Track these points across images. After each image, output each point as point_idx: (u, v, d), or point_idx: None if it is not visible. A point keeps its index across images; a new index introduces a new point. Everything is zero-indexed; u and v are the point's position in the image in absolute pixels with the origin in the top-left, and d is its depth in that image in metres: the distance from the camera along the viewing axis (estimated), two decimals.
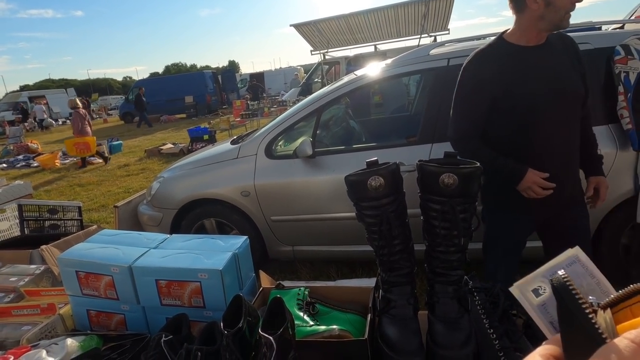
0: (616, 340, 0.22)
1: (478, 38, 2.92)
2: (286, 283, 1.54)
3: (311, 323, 0.98)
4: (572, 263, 0.32)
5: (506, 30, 1.59)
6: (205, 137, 9.09)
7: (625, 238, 2.38)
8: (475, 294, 1.18)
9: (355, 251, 2.73)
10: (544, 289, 0.30)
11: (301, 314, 1.01)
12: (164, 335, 0.85)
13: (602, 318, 0.25)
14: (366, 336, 0.89)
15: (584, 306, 0.24)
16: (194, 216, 2.97)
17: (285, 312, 0.81)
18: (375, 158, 1.06)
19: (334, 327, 0.96)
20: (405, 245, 1.04)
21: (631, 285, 0.26)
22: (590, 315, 0.24)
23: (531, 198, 1.55)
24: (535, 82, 1.50)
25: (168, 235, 1.21)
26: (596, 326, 0.23)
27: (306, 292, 1.09)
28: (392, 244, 1.01)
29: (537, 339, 1.03)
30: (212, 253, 1.06)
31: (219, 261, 1.01)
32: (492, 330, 1.02)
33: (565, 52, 1.56)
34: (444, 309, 0.98)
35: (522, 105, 1.51)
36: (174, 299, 1.02)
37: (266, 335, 0.73)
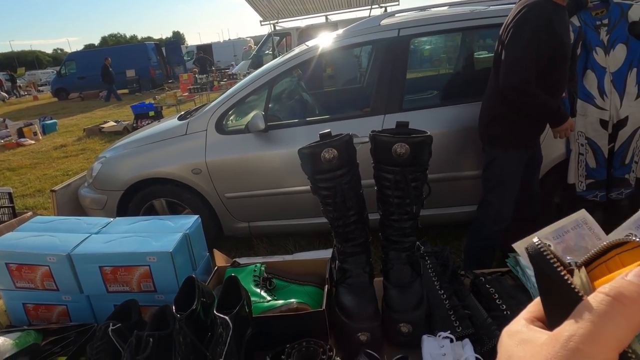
0: (591, 296, 0.22)
1: (428, 8, 2.93)
2: (242, 260, 1.52)
3: (268, 299, 0.97)
4: (578, 225, 0.31)
5: None
6: (151, 113, 8.60)
7: (558, 198, 2.58)
8: (427, 258, 1.22)
9: (312, 224, 2.74)
10: None
11: (258, 290, 1.00)
12: (111, 324, 0.80)
13: (578, 277, 0.25)
14: (324, 307, 0.90)
15: (558, 268, 0.24)
16: (142, 197, 2.82)
17: (241, 290, 0.79)
18: (329, 130, 1.04)
19: (292, 300, 0.95)
20: (360, 215, 1.04)
21: (605, 242, 0.26)
22: (566, 276, 0.24)
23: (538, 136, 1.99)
24: (567, 36, 1.86)
25: (111, 219, 1.13)
26: (572, 285, 0.23)
27: (262, 268, 1.07)
28: (346, 216, 1.01)
29: (483, 296, 1.10)
30: (160, 235, 1.01)
31: (168, 243, 0.96)
32: (442, 291, 1.07)
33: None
34: (397, 274, 1.00)
35: (562, 53, 1.81)
36: (122, 285, 0.97)
37: (221, 316, 0.70)
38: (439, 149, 2.48)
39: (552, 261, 0.24)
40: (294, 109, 3.44)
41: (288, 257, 2.04)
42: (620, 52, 2.28)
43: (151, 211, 2.90)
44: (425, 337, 0.91)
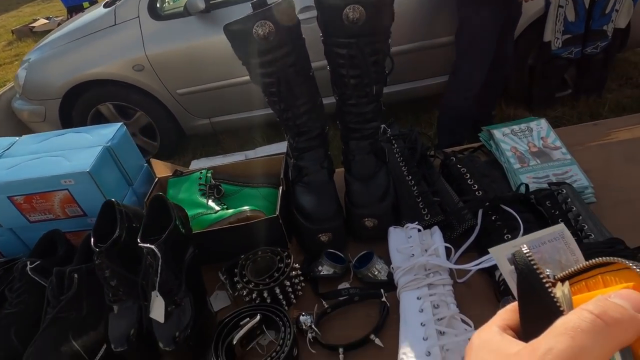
0: (574, 311, 0.22)
1: None
2: (198, 163, 1.39)
3: (217, 209, 0.86)
4: (555, 238, 0.31)
5: None
6: (86, 4, 7.45)
7: (532, 59, 2.43)
8: (394, 141, 1.11)
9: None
10: None
11: (205, 200, 0.88)
12: (29, 262, 0.69)
13: (560, 291, 0.25)
14: (277, 212, 0.80)
15: (544, 280, 0.24)
16: (84, 103, 2.53)
17: (171, 209, 0.66)
18: None
19: (245, 208, 0.85)
20: (312, 104, 0.88)
21: (588, 261, 0.26)
22: (550, 289, 0.23)
23: None
24: None
25: (16, 139, 0.94)
26: (555, 299, 0.23)
27: (209, 175, 0.94)
28: (296, 105, 0.85)
29: (454, 178, 1.03)
30: (76, 152, 0.84)
31: (85, 161, 0.80)
32: (410, 177, 0.98)
33: None
34: (360, 166, 0.89)
35: None
36: (43, 213, 0.83)
37: (147, 245, 0.59)
38: (408, 14, 2.20)
39: (538, 272, 0.24)
40: None
41: (251, 154, 1.92)
42: None
43: (100, 118, 2.65)
44: (391, 230, 0.85)
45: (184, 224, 0.69)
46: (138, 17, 2.32)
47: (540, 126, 1.02)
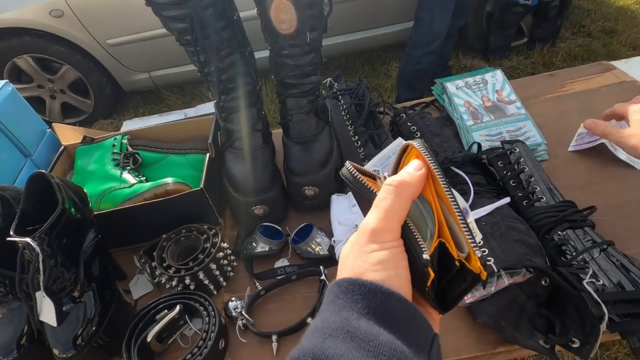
0: (381, 189, 0.29)
1: None
2: (130, 123, 1.23)
3: (133, 182, 0.74)
4: (395, 151, 0.36)
5: None
6: None
7: (489, 6, 2.34)
8: (341, 97, 1.00)
9: None
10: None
11: (118, 172, 0.75)
12: None
13: (379, 185, 0.30)
14: (202, 184, 0.69)
15: (360, 178, 0.31)
16: None
17: (57, 189, 0.54)
18: None
19: (167, 180, 0.73)
20: (240, 54, 0.75)
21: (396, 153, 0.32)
22: (365, 182, 0.30)
23: None
24: None
25: None
26: (369, 187, 0.30)
27: (124, 141, 0.80)
28: (217, 57, 0.71)
29: (404, 137, 0.95)
30: None
31: None
32: (356, 137, 0.89)
33: None
34: (299, 127, 0.79)
35: None
36: None
37: (19, 239, 0.47)
38: None
39: (359, 178, 0.31)
40: None
41: (191, 112, 1.74)
42: None
43: (19, 74, 2.33)
44: (334, 198, 0.77)
45: (79, 206, 0.57)
46: None
47: (496, 78, 0.95)
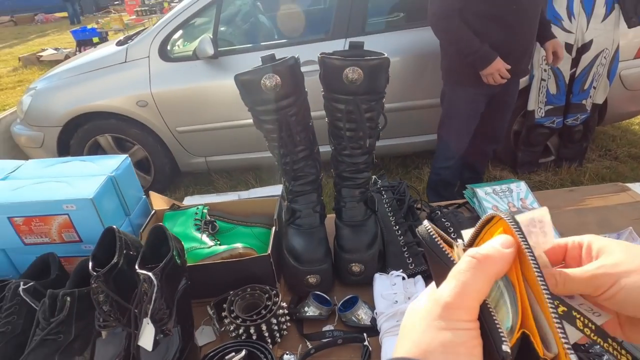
0: (460, 259, 0.26)
1: None
2: (191, 199, 1.42)
3: (210, 244, 0.89)
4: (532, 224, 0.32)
5: None
6: (95, 39, 7.75)
7: (517, 125, 2.58)
8: (383, 192, 1.17)
9: (272, 157, 2.63)
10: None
11: (199, 234, 0.91)
12: (22, 283, 0.70)
13: (456, 252, 0.29)
14: (269, 251, 0.83)
15: (440, 243, 0.29)
16: (84, 133, 2.58)
17: (170, 239, 0.69)
18: (272, 52, 0.90)
19: (237, 245, 0.88)
20: (309, 151, 0.95)
21: (479, 222, 0.30)
22: (444, 248, 0.29)
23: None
24: None
25: (22, 162, 0.98)
26: (448, 254, 0.29)
27: (205, 211, 0.98)
28: (294, 152, 0.91)
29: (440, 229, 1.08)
30: (81, 179, 0.88)
31: (89, 188, 0.84)
32: (397, 227, 1.03)
33: None
34: (350, 213, 0.94)
35: None
36: (39, 236, 0.85)
37: (144, 272, 0.62)
38: (404, 75, 2.36)
39: (435, 238, 0.29)
40: (249, 32, 3.14)
41: (244, 195, 1.96)
42: None
43: (97, 149, 2.69)
44: (377, 276, 0.88)
45: (180, 255, 0.72)
46: (148, 57, 2.44)
47: (520, 188, 1.10)
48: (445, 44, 1.79)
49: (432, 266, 0.31)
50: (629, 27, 2.28)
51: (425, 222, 0.31)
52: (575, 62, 2.35)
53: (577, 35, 2.28)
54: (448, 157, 2.02)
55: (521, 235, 0.26)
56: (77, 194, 0.82)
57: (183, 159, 2.73)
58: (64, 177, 0.89)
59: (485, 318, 0.25)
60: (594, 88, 2.44)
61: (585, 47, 2.32)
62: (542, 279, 0.24)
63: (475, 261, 0.25)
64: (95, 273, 0.63)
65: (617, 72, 2.40)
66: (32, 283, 0.71)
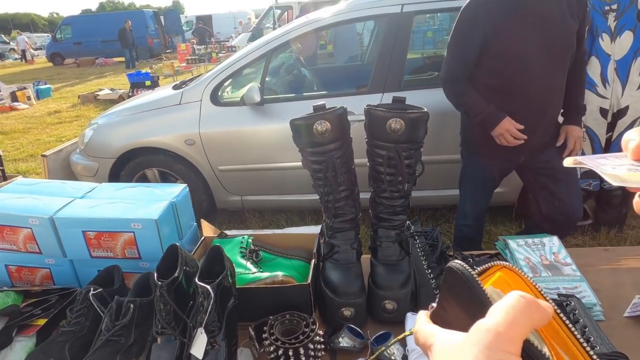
0: (506, 295, 0.28)
1: None
2: (230, 232, 1.51)
3: (254, 270, 0.96)
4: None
5: None
6: (147, 83, 8.44)
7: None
8: (416, 237, 1.22)
9: (305, 200, 2.73)
10: None
11: (244, 261, 0.99)
12: (92, 288, 0.79)
13: (489, 289, 0.32)
14: (309, 281, 0.89)
15: (477, 278, 0.31)
16: (134, 166, 2.79)
17: (224, 260, 0.77)
18: (323, 102, 1.01)
19: (278, 273, 0.94)
20: (350, 191, 1.03)
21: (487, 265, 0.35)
22: (482, 285, 0.31)
23: (501, 145, 1.65)
24: (527, 30, 1.48)
25: (97, 184, 1.11)
26: (485, 292, 0.30)
27: (249, 240, 1.06)
28: (337, 191, 0.99)
29: None
30: (146, 202, 0.99)
31: (154, 210, 0.94)
32: (429, 271, 1.06)
33: None
34: (385, 252, 0.99)
35: (510, 50, 1.51)
36: (105, 250, 0.95)
37: (202, 285, 0.69)
38: (437, 130, 2.45)
39: (470, 270, 0.31)
40: (292, 83, 3.37)
41: (277, 231, 2.03)
42: (626, 40, 2.23)
43: (143, 180, 2.87)
44: (409, 315, 0.91)
45: (232, 275, 0.79)
46: (200, 100, 2.67)
47: (552, 242, 1.12)
48: (455, 106, 1.76)
49: (457, 300, 0.32)
50: None
51: (458, 261, 0.33)
52: (611, 127, 2.38)
53: (612, 100, 2.33)
54: (466, 215, 1.98)
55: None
56: (144, 214, 0.93)
57: (220, 196, 2.87)
58: (132, 199, 1.00)
59: (531, 352, 0.27)
60: None
61: (621, 113, 2.35)
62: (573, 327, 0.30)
63: (524, 300, 0.26)
64: (159, 283, 0.71)
65: None
66: (100, 289, 0.79)
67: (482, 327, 0.26)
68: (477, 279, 0.31)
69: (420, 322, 0.35)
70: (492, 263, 0.34)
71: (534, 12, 1.46)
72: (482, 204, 1.94)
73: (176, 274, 0.74)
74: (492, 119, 1.61)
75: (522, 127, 1.59)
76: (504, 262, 0.33)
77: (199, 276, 0.73)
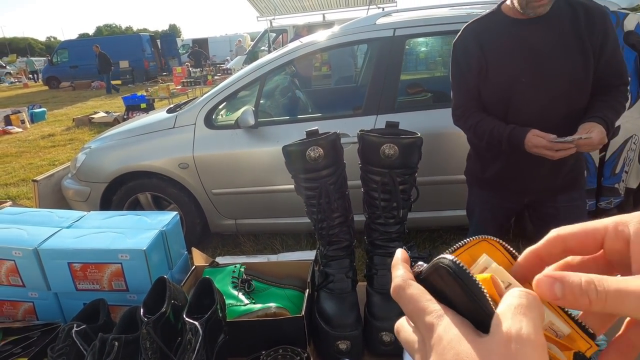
0: (509, 295, 0.25)
1: (426, 8, 2.90)
2: (223, 259, 1.47)
3: (246, 302, 0.93)
4: None
5: (505, 1, 1.43)
6: (143, 105, 8.48)
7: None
8: (413, 263, 1.19)
9: (300, 223, 2.70)
10: None
11: (236, 292, 0.95)
12: (75, 325, 0.75)
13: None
14: (303, 313, 0.86)
15: (472, 276, 0.26)
16: (127, 190, 2.76)
17: (215, 293, 0.74)
18: (316, 127, 1.00)
19: (271, 305, 0.91)
20: (345, 218, 1.01)
21: (462, 243, 0.31)
22: (480, 285, 0.26)
23: (503, 184, 1.53)
24: (514, 61, 1.38)
25: (84, 213, 1.08)
26: (483, 290, 0.25)
27: (242, 270, 1.03)
28: (331, 217, 0.97)
29: None
30: (135, 231, 0.96)
31: (142, 240, 0.92)
32: None
33: (573, 24, 1.34)
34: (381, 280, 0.96)
35: (500, 84, 1.41)
36: (92, 282, 0.92)
37: (191, 321, 0.66)
38: (432, 151, 2.45)
39: (466, 269, 0.26)
40: (286, 106, 3.39)
41: (273, 258, 1.99)
42: None
43: (136, 205, 2.84)
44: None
45: (222, 309, 0.76)
46: (194, 124, 2.67)
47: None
48: (477, 141, 1.57)
49: (451, 298, 0.27)
50: None
51: (450, 256, 0.28)
52: (604, 147, 2.40)
53: None
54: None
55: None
56: (132, 244, 0.90)
57: (214, 220, 2.83)
58: (121, 228, 0.97)
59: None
60: (626, 172, 2.45)
61: (613, 133, 2.38)
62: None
63: (531, 294, 0.24)
64: (146, 319, 0.67)
65: None
66: (83, 326, 0.76)
67: (510, 336, 0.23)
68: (471, 274, 0.26)
69: (404, 279, 0.30)
70: (470, 238, 0.30)
71: (525, 45, 1.37)
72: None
73: (163, 309, 0.70)
74: (514, 141, 1.37)
75: (553, 136, 1.30)
76: (483, 236, 0.30)
77: (187, 311, 0.70)
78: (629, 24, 2.31)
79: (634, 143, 2.38)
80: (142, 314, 0.69)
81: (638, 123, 2.34)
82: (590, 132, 1.26)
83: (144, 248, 0.89)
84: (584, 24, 1.34)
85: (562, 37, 1.35)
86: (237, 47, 15.89)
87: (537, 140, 1.32)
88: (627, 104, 2.32)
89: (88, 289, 0.92)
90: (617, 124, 2.30)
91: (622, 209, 2.52)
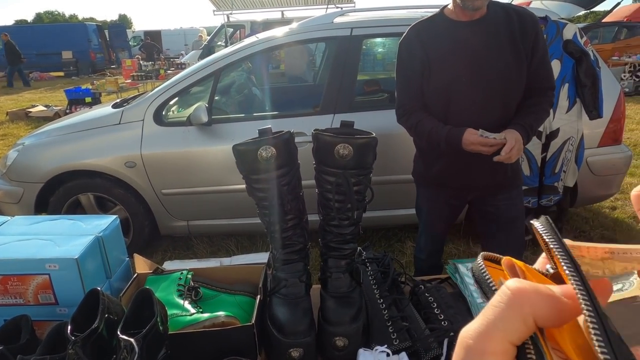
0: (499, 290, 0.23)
1: (384, 9, 2.93)
2: (170, 265, 1.39)
3: (192, 311, 0.87)
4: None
5: (447, 5, 1.47)
6: (88, 99, 7.94)
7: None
8: (368, 264, 1.18)
9: (256, 224, 2.61)
10: None
11: (181, 301, 0.89)
12: None
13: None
14: (253, 321, 0.81)
15: (489, 281, 0.27)
16: (66, 191, 2.55)
17: (155, 305, 0.68)
18: (269, 126, 0.96)
19: (220, 313, 0.86)
20: (298, 220, 0.97)
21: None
22: (490, 281, 0.27)
23: (446, 182, 1.57)
24: (455, 61, 1.42)
25: (8, 218, 0.97)
26: (492, 287, 0.26)
27: (189, 276, 0.96)
28: (284, 220, 0.93)
29: (422, 305, 1.08)
30: (67, 238, 0.87)
31: (75, 247, 0.83)
32: (381, 300, 1.02)
33: (507, 28, 1.40)
34: (335, 284, 0.94)
35: (441, 83, 1.45)
36: (14, 297, 0.82)
37: (125, 338, 0.60)
38: (387, 151, 2.47)
39: (486, 276, 0.27)
40: (242, 103, 3.30)
41: (226, 261, 1.92)
42: (554, 68, 2.41)
43: (77, 207, 2.64)
44: (361, 351, 0.86)
45: (163, 322, 0.70)
46: (143, 120, 2.52)
47: None
48: (418, 140, 1.63)
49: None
50: (590, 119, 2.51)
51: (478, 259, 0.28)
52: (545, 147, 2.54)
53: (545, 123, 2.49)
54: (421, 249, 1.86)
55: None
56: (62, 253, 0.81)
57: (164, 221, 2.69)
58: (50, 235, 0.88)
59: None
60: (564, 172, 2.61)
61: (553, 135, 2.52)
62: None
63: (507, 291, 0.21)
64: (73, 338, 0.60)
65: (583, 158, 2.59)
66: (1, 348, 0.67)
67: (461, 339, 0.22)
68: (486, 276, 0.26)
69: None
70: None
71: (465, 46, 1.41)
72: (436, 238, 1.81)
73: (95, 325, 0.63)
74: (452, 141, 1.42)
75: (480, 130, 1.37)
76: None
77: (122, 326, 0.63)
78: (568, 33, 2.45)
79: (571, 144, 2.54)
80: (69, 331, 0.62)
81: (575, 126, 2.50)
82: (504, 135, 1.35)
83: (76, 256, 0.80)
84: (517, 28, 1.41)
85: (498, 39, 1.41)
86: (196, 41, 15.34)
87: (473, 137, 1.38)
88: (566, 108, 2.48)
89: (9, 303, 0.82)
90: (556, 126, 2.46)
91: (560, 206, 2.68)
